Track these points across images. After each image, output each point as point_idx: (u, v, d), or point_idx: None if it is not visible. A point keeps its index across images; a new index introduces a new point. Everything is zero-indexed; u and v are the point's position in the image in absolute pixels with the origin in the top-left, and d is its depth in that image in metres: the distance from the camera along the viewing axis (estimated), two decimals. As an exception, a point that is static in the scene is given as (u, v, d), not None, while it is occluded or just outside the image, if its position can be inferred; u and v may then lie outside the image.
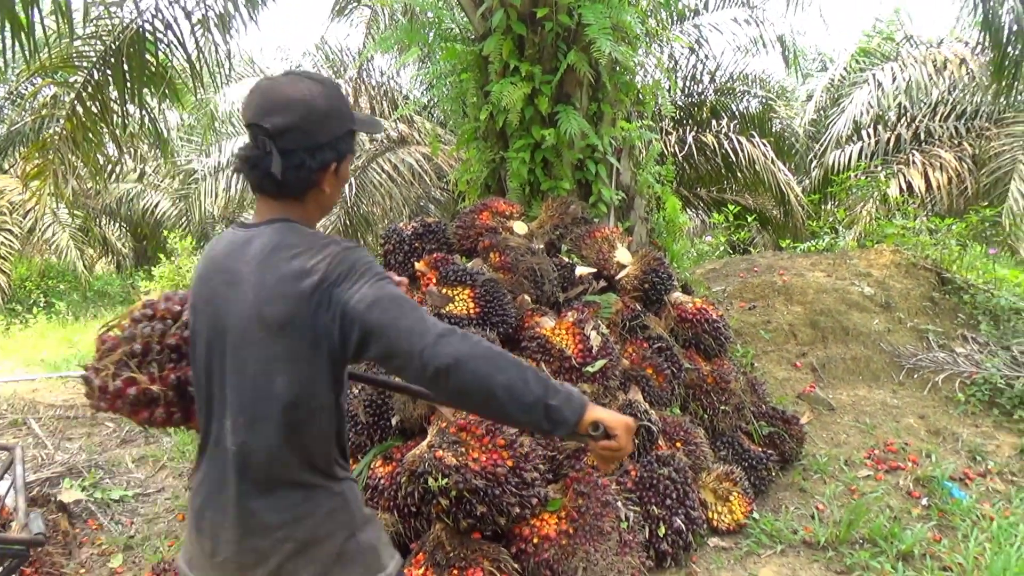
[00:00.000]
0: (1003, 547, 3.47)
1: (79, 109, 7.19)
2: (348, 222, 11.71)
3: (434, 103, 12.67)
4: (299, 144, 1.57)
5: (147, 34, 6.72)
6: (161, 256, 12.75)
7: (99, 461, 4.70)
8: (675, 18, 11.28)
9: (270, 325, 1.52)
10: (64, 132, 7.52)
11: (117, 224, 17.29)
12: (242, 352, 1.56)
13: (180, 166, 13.80)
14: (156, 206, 14.51)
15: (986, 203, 8.87)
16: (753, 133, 11.23)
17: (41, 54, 6.35)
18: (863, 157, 11.32)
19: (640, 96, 6.22)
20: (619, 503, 3.20)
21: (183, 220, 13.96)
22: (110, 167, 9.26)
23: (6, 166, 14.34)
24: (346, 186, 11.32)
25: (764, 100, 12.41)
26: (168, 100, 8.16)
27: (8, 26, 5.39)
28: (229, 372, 1.58)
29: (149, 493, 4.38)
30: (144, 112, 7.87)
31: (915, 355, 5.64)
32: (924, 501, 4.13)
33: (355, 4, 12.09)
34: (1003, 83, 8.10)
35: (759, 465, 4.14)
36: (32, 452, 4.81)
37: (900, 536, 3.63)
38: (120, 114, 7.34)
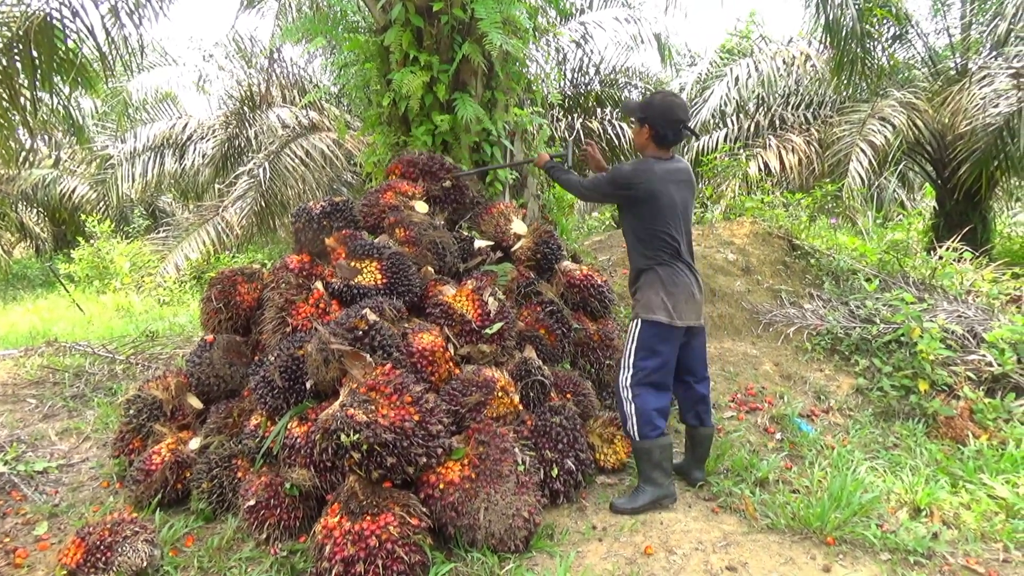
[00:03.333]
0: (841, 471, 3.71)
1: (-12, 95, 6.67)
2: (263, 204, 11.31)
3: (342, 91, 12.40)
4: None
5: (55, 21, 6.27)
6: (80, 239, 12.04)
7: (21, 436, 4.43)
8: (563, 16, 11.34)
9: (694, 196, 3.68)
10: (-28, 121, 6.92)
11: (35, 209, 16.18)
12: (689, 210, 3.58)
13: (96, 152, 12.99)
14: (73, 191, 13.65)
15: (829, 180, 9.34)
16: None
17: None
18: (727, 141, 11.72)
19: (531, 85, 6.24)
20: (516, 449, 3.24)
21: (101, 204, 13.18)
22: (23, 153, 8.63)
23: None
24: (260, 170, 10.97)
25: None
26: (81, 87, 7.63)
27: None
28: (684, 220, 3.53)
29: (73, 464, 4.16)
30: (56, 99, 7.38)
31: (771, 311, 5.92)
32: (778, 436, 4.36)
33: (263, -3, 11.61)
34: (843, 77, 8.52)
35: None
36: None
37: (758, 466, 3.83)
38: (31, 100, 6.85)
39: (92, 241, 11.83)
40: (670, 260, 3.48)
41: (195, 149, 13.22)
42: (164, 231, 11.75)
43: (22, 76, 6.75)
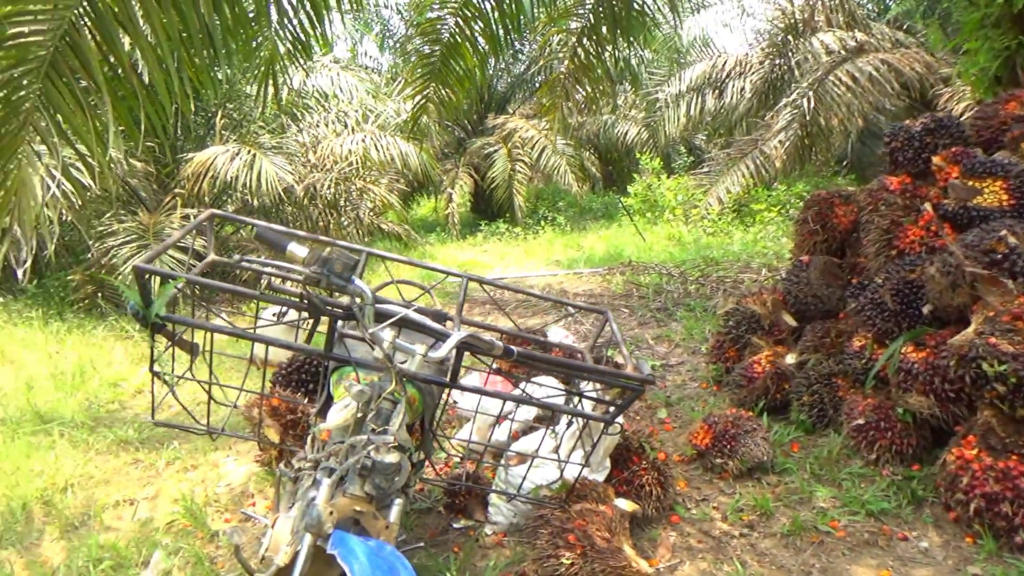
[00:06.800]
0: None
1: (579, 51, 7.79)
2: (805, 132, 11.05)
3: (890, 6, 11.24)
4: None
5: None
6: (635, 176, 13.56)
7: (627, 338, 5.21)
8: None
9: None
10: (568, 70, 8.15)
11: (590, 152, 18.74)
12: None
13: (648, 96, 14.32)
14: (626, 134, 15.34)
15: None
16: None
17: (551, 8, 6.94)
18: None
19: None
20: None
21: (648, 144, 14.55)
22: (604, 99, 10.05)
23: (509, 110, 16.40)
24: (804, 100, 10.72)
25: None
26: (644, 38, 8.41)
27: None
28: None
29: (671, 365, 4.75)
30: (630, 49, 8.26)
31: None
32: None
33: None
34: None
35: None
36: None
37: None
38: (612, 52, 7.79)
39: (644, 177, 13.20)
40: None
41: (732, 86, 13.56)
42: (707, 166, 12.42)
43: (605, 29, 7.69)
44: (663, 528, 2.83)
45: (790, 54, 12.28)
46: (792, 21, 12.34)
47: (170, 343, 2.27)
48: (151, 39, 3.41)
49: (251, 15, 4.00)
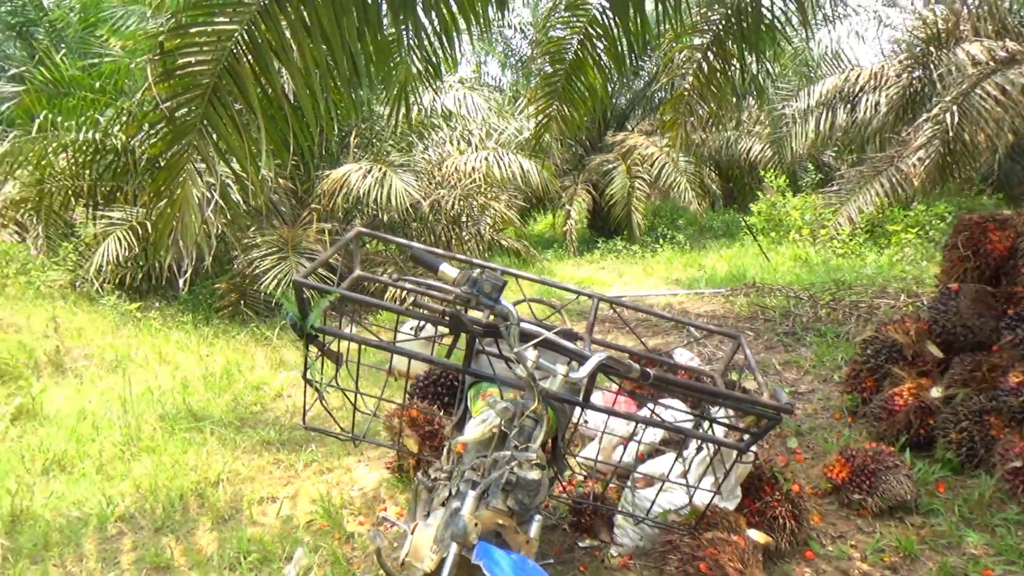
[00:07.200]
0: None
1: (704, 66, 7.66)
2: (947, 149, 10.37)
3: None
4: None
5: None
6: (760, 193, 13.20)
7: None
8: None
9: None
10: (692, 86, 8.02)
11: (710, 169, 18.34)
12: None
13: (773, 111, 13.92)
14: (750, 150, 14.95)
15: None
16: None
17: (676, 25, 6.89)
18: None
19: None
20: None
21: (775, 159, 14.11)
22: (729, 115, 9.93)
23: (629, 127, 16.32)
24: (947, 114, 10.12)
25: None
26: (771, 52, 8.18)
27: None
28: None
29: (802, 392, 4.58)
30: (757, 65, 8.06)
31: None
32: None
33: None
34: None
35: None
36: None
37: None
38: (738, 67, 7.61)
39: (768, 195, 12.80)
40: None
41: (866, 100, 12.96)
42: (837, 184, 11.91)
43: (731, 44, 7.52)
44: (797, 564, 2.74)
45: (931, 66, 11.60)
46: (934, 31, 11.67)
47: (320, 352, 2.43)
48: (300, 66, 3.68)
49: (390, 41, 4.22)
